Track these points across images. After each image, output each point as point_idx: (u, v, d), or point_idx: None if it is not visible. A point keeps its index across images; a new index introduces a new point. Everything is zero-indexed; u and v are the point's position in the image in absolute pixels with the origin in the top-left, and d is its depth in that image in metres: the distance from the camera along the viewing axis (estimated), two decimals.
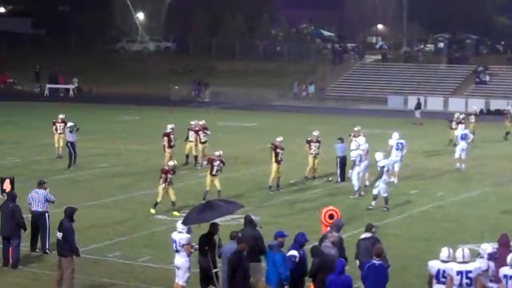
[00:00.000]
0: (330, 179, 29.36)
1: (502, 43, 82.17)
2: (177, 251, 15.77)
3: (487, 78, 67.48)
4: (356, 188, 26.49)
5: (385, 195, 24.49)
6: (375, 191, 24.57)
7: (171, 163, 24.26)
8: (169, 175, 23.42)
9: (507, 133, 43.20)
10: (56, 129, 33.61)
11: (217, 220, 16.01)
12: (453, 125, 37.69)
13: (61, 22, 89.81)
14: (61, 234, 16.43)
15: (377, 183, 24.44)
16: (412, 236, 21.67)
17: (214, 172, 24.87)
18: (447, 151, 36.79)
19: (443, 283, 13.58)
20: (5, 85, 73.69)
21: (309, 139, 29.47)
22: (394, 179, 28.88)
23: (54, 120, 33.90)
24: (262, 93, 67.07)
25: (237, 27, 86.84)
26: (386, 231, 20.59)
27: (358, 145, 27.71)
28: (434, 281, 13.70)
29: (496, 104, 60.86)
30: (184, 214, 17.55)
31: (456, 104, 59.97)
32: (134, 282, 17.33)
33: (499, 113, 55.79)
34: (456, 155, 32.38)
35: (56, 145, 33.67)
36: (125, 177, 29.91)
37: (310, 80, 70.48)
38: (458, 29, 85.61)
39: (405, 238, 21.45)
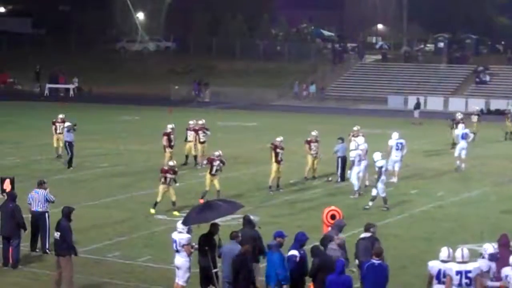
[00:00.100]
0: (330, 179, 29.37)
1: (502, 43, 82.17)
2: (177, 251, 15.77)
3: (487, 78, 67.48)
4: (356, 188, 26.50)
5: (384, 195, 24.48)
6: (374, 192, 24.57)
7: (170, 163, 24.26)
8: (168, 175, 23.42)
9: (507, 133, 43.15)
10: (56, 129, 33.58)
11: (217, 220, 16.01)
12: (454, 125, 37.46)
13: (61, 22, 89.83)
14: (58, 233, 16.44)
15: (379, 185, 24.42)
16: (412, 236, 21.67)
17: (213, 172, 24.87)
18: (447, 151, 36.77)
19: (444, 283, 13.58)
20: (5, 85, 73.71)
21: (308, 139, 29.45)
22: (394, 179, 28.90)
23: (54, 120, 33.90)
24: (262, 93, 67.09)
25: (237, 27, 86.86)
26: (386, 231, 20.58)
27: (357, 145, 27.71)
28: (435, 281, 13.70)
29: (496, 104, 60.86)
30: (184, 214, 17.55)
31: (456, 104, 59.95)
32: (134, 282, 17.33)
33: (499, 113, 55.86)
34: (456, 154, 32.38)
35: (55, 145, 33.65)
36: (125, 177, 29.91)
37: (310, 80, 70.50)
38: (458, 29, 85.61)
39: (405, 238, 21.44)
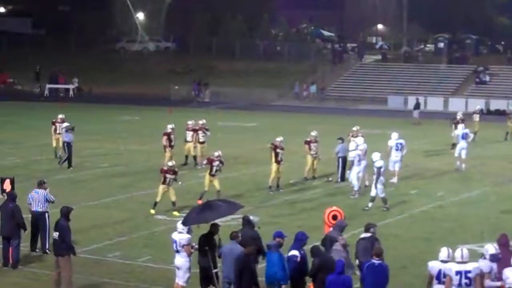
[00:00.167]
0: (330, 179, 29.37)
1: (502, 43, 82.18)
2: (177, 251, 15.78)
3: (487, 78, 67.47)
4: (356, 188, 26.50)
5: (383, 195, 24.48)
6: (372, 193, 24.57)
7: (169, 163, 24.26)
8: (167, 175, 23.43)
9: (508, 133, 43.13)
10: (56, 129, 33.50)
11: (217, 221, 16.01)
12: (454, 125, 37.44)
13: (61, 22, 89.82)
14: (57, 233, 16.45)
15: (378, 185, 24.43)
16: (412, 236, 21.67)
17: (213, 173, 24.86)
18: (447, 151, 36.76)
19: (444, 283, 13.58)
20: (5, 85, 73.68)
21: (307, 139, 29.44)
22: (394, 179, 28.91)
23: (53, 120, 33.85)
24: (262, 93, 67.08)
25: (237, 27, 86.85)
26: (386, 231, 20.58)
27: (356, 145, 27.70)
28: (435, 281, 13.70)
29: (496, 104, 60.86)
30: (184, 214, 17.55)
31: (456, 104, 59.92)
32: (134, 282, 17.33)
33: (499, 113, 55.89)
34: (456, 154, 32.39)
35: (54, 145, 33.60)
36: (125, 177, 29.91)
37: (311, 80, 70.51)
38: (458, 29, 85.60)
39: (405, 238, 21.44)
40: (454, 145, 35.10)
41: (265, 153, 29.91)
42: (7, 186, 22.24)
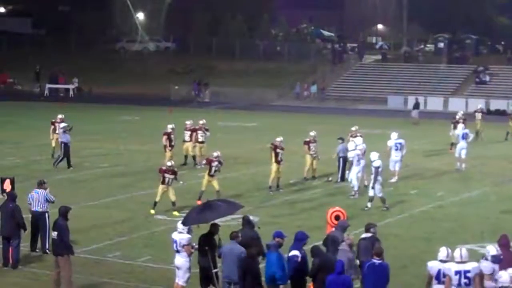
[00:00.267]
0: (330, 179, 29.36)
1: (502, 43, 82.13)
2: (177, 251, 15.78)
3: (487, 78, 67.46)
4: (355, 188, 26.50)
5: (381, 195, 24.48)
6: (371, 193, 24.57)
7: (168, 163, 24.25)
8: (166, 175, 23.42)
9: (508, 133, 43.11)
10: (55, 129, 33.36)
11: (217, 221, 16.01)
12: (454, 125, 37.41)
13: (61, 22, 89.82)
14: (56, 233, 16.45)
15: (376, 185, 24.43)
16: (412, 236, 21.67)
17: (212, 173, 24.84)
18: (447, 151, 36.76)
19: (444, 283, 13.58)
20: (5, 85, 73.69)
21: (307, 140, 29.43)
22: (394, 179, 28.91)
23: (53, 120, 33.79)
24: (262, 93, 67.07)
25: (237, 27, 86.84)
26: (386, 231, 20.58)
27: (355, 145, 27.70)
28: (435, 281, 13.71)
29: (496, 104, 60.85)
30: (184, 214, 17.55)
31: (456, 104, 59.89)
32: (134, 282, 17.33)
33: (499, 113, 55.89)
34: (456, 155, 32.40)
35: (54, 145, 33.54)
36: (125, 177, 29.91)
37: (311, 80, 70.51)
38: (458, 29, 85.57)
39: (405, 238, 21.44)
40: (452, 145, 35.16)
41: (265, 153, 29.91)
42: (7, 186, 22.27)
